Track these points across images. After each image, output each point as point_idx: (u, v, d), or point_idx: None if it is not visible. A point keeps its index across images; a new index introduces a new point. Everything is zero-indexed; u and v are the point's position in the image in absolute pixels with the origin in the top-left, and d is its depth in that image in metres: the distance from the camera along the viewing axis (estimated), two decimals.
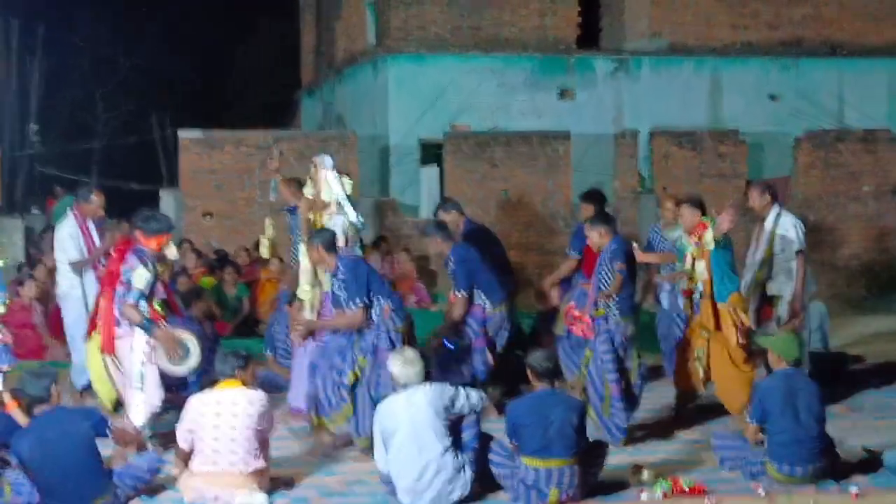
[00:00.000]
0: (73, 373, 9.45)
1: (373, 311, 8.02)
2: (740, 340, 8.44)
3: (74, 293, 9.43)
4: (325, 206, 8.81)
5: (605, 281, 8.27)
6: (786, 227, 9.16)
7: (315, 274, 8.61)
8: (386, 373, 7.59)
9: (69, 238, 9.40)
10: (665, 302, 10.01)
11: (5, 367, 8.01)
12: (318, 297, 8.66)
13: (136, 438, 7.50)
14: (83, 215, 9.47)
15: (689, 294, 8.83)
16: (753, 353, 8.49)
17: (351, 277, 7.98)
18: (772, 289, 9.22)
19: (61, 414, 6.75)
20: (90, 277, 9.38)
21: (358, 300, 7.93)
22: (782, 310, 9.15)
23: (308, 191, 8.92)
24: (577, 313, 8.45)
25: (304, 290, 8.67)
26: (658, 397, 9.67)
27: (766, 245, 9.19)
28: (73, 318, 9.49)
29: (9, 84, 17.51)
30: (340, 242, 8.51)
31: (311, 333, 8.52)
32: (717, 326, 8.53)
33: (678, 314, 9.66)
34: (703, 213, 8.81)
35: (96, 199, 9.48)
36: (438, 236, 9.16)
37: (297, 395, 8.77)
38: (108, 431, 6.82)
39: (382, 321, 8.02)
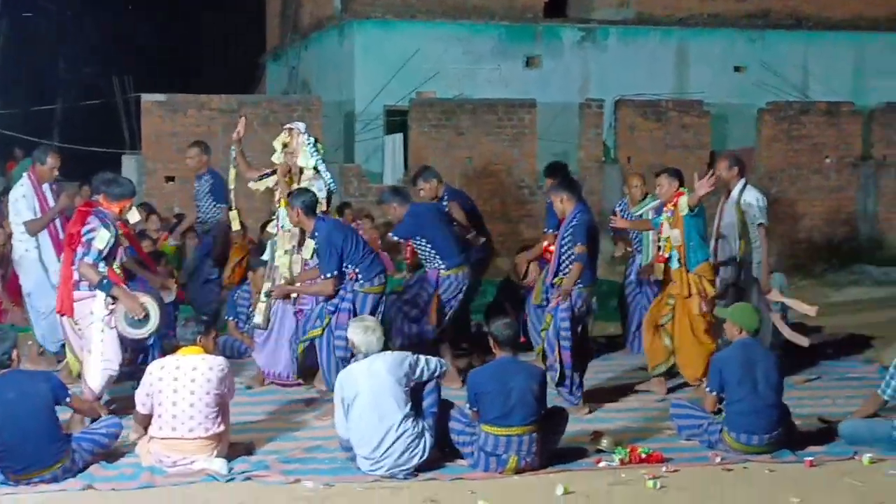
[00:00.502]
0: (41, 339, 9.39)
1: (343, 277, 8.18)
2: (703, 309, 8.52)
3: (30, 256, 9.33)
4: (301, 171, 8.77)
5: (569, 251, 8.27)
6: (749, 200, 9.23)
7: (290, 240, 8.63)
8: (341, 334, 7.81)
9: (22, 199, 9.28)
10: (633, 274, 10.09)
11: None
12: (299, 263, 8.65)
13: (94, 407, 7.45)
14: (38, 178, 9.34)
15: (663, 261, 8.89)
16: (715, 325, 8.55)
17: (325, 245, 8.08)
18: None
19: (20, 376, 6.69)
20: (46, 240, 9.29)
21: (328, 272, 8.06)
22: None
23: (277, 157, 8.85)
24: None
25: (279, 256, 8.67)
26: (618, 366, 9.76)
27: (735, 217, 9.25)
28: (31, 281, 9.41)
29: None
30: (323, 207, 8.59)
31: (286, 297, 8.58)
32: (688, 294, 8.63)
33: (645, 285, 9.80)
34: (681, 184, 8.88)
35: (51, 161, 9.34)
36: (394, 202, 9.14)
37: (273, 360, 8.80)
38: (66, 399, 6.77)
39: (347, 283, 8.13)
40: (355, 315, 7.99)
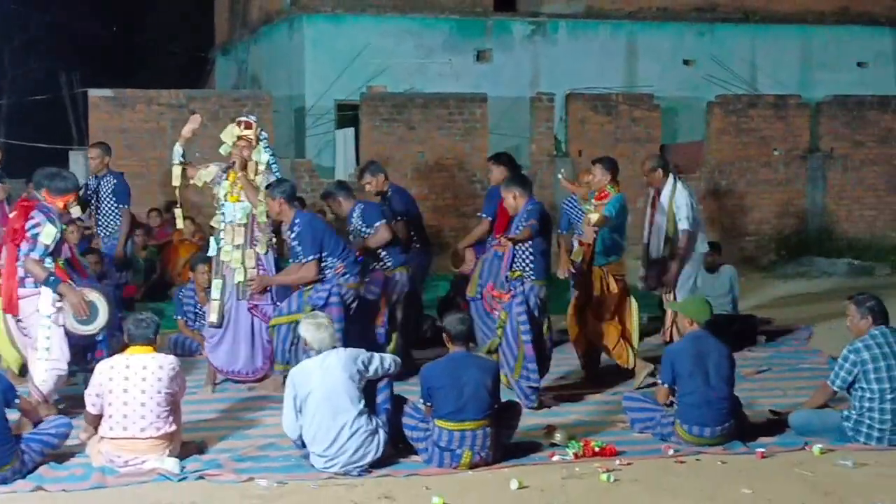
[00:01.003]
0: None
1: (326, 268, 8.35)
2: (610, 305, 8.94)
3: None
4: (256, 166, 8.70)
5: (522, 246, 8.27)
6: (679, 203, 9.39)
7: (240, 234, 8.55)
8: (338, 327, 7.99)
9: None
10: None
11: None
12: (252, 258, 8.59)
13: (43, 408, 7.35)
14: None
15: (585, 245, 9.06)
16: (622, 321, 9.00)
17: (307, 231, 8.31)
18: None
19: None
20: None
21: (311, 255, 8.27)
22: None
23: (225, 149, 8.74)
24: (496, 293, 8.45)
25: (227, 251, 8.58)
26: (570, 359, 9.77)
27: (665, 219, 9.42)
28: None
29: None
30: None
31: (263, 289, 8.58)
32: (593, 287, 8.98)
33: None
34: (614, 177, 9.01)
35: None
36: (340, 195, 9.22)
37: (231, 358, 8.73)
38: (15, 401, 6.67)
39: (334, 277, 8.33)
40: (346, 309, 8.32)
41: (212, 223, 8.94)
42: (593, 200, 9.12)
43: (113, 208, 10.44)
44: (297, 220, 8.36)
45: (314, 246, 8.30)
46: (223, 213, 8.66)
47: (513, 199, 8.43)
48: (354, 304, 8.55)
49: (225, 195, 8.65)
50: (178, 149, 8.74)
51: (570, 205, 10.21)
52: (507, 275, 8.35)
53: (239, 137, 8.65)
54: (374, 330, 8.97)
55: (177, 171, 8.76)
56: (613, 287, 8.98)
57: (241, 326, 8.68)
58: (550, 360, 8.60)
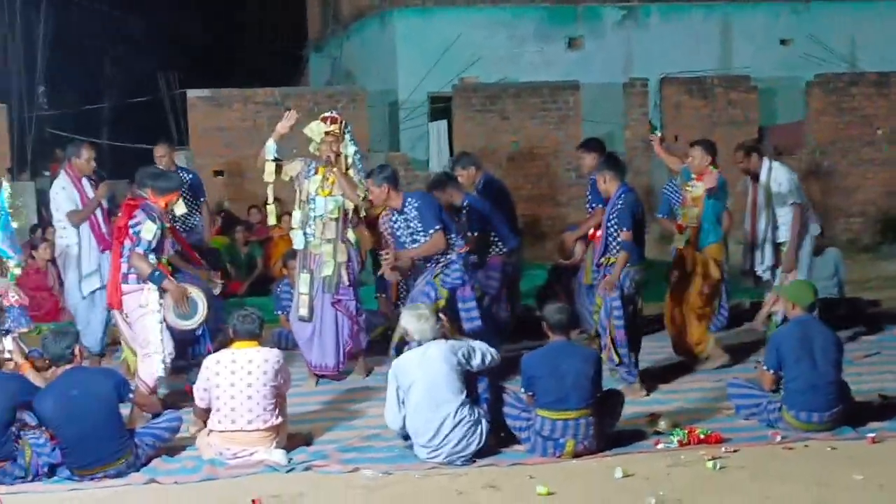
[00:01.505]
0: (83, 338, 9.46)
1: (453, 245, 8.24)
2: (704, 290, 8.71)
3: (71, 252, 9.29)
4: (346, 160, 8.78)
5: (616, 232, 8.22)
6: (780, 180, 9.18)
7: (331, 229, 8.63)
8: (470, 305, 8.15)
9: (62, 191, 9.26)
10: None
11: (23, 329, 8.04)
12: (342, 252, 8.66)
13: (154, 402, 7.54)
14: (76, 172, 9.34)
15: (681, 229, 8.90)
16: (710, 309, 8.91)
17: (425, 205, 8.21)
18: (779, 237, 9.26)
19: (84, 373, 6.78)
20: (87, 233, 9.27)
21: (435, 226, 8.12)
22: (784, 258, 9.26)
23: (314, 146, 8.82)
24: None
25: (317, 244, 8.67)
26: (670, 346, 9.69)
27: (766, 201, 9.26)
28: (72, 279, 9.38)
29: (16, 46, 17.42)
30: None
31: (395, 266, 8.57)
32: (695, 272, 8.83)
33: None
34: (714, 159, 8.86)
35: (86, 154, 9.35)
36: (450, 187, 9.23)
37: (322, 353, 8.79)
38: (129, 396, 6.86)
39: (460, 257, 8.25)
40: (472, 287, 8.33)
41: (293, 221, 8.91)
42: (693, 182, 8.95)
43: (190, 204, 10.52)
44: (409, 200, 8.26)
45: (436, 218, 8.14)
46: (313, 208, 8.70)
47: (604, 183, 8.36)
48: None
49: (315, 189, 8.72)
50: (271, 145, 8.76)
51: (671, 189, 10.08)
52: (602, 261, 8.32)
53: (326, 133, 8.67)
54: (499, 313, 9.05)
55: (270, 167, 8.79)
56: (714, 271, 8.83)
57: (327, 321, 8.74)
58: (641, 343, 8.53)
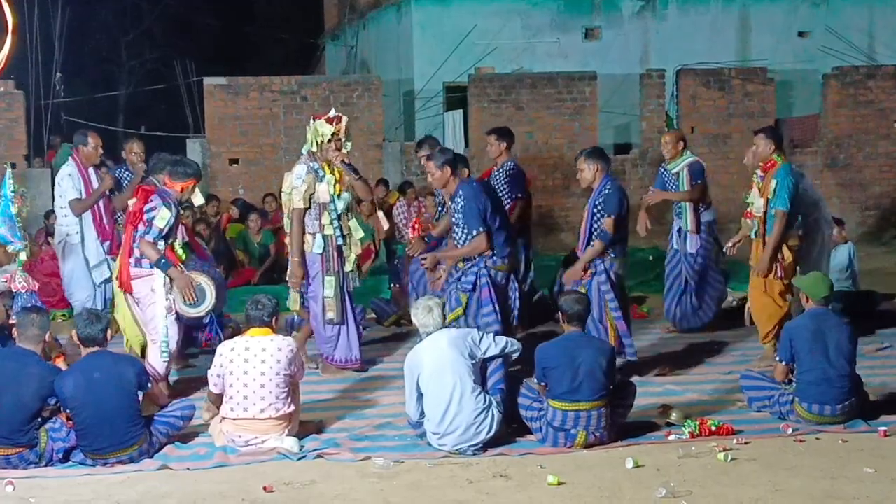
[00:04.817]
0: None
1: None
2: (779, 274, 8.48)
3: (72, 241, 9.26)
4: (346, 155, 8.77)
5: (598, 222, 8.20)
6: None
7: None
8: (486, 310, 8.02)
9: (68, 177, 9.22)
10: (674, 241, 10.01)
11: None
12: (356, 245, 8.69)
13: (162, 395, 7.60)
14: (83, 160, 9.32)
15: (749, 216, 8.84)
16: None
17: (470, 205, 8.10)
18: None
19: (108, 358, 6.77)
20: (89, 223, 9.26)
21: (478, 227, 8.06)
22: None
23: (314, 146, 8.75)
24: None
25: (348, 244, 8.68)
26: (688, 338, 9.69)
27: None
28: (69, 269, 9.34)
29: (32, 34, 17.49)
30: None
31: (436, 264, 8.56)
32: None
33: (685, 255, 9.82)
34: (779, 146, 8.72)
35: (93, 142, 9.33)
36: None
37: (348, 347, 8.79)
38: (148, 385, 6.88)
39: (481, 259, 8.16)
40: (500, 291, 8.19)
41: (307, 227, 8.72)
42: (759, 171, 8.74)
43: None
44: (460, 192, 8.19)
45: (479, 219, 8.06)
46: (334, 208, 8.59)
47: (592, 173, 8.28)
48: (510, 285, 8.38)
49: (332, 191, 8.60)
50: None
51: (663, 172, 10.08)
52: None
53: (333, 134, 8.57)
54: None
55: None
56: (787, 257, 8.58)
57: (348, 315, 8.77)
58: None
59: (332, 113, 8.75)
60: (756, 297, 8.70)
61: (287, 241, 8.72)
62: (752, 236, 8.78)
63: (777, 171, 8.54)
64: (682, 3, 19.25)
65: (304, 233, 8.53)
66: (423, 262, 8.70)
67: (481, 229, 8.06)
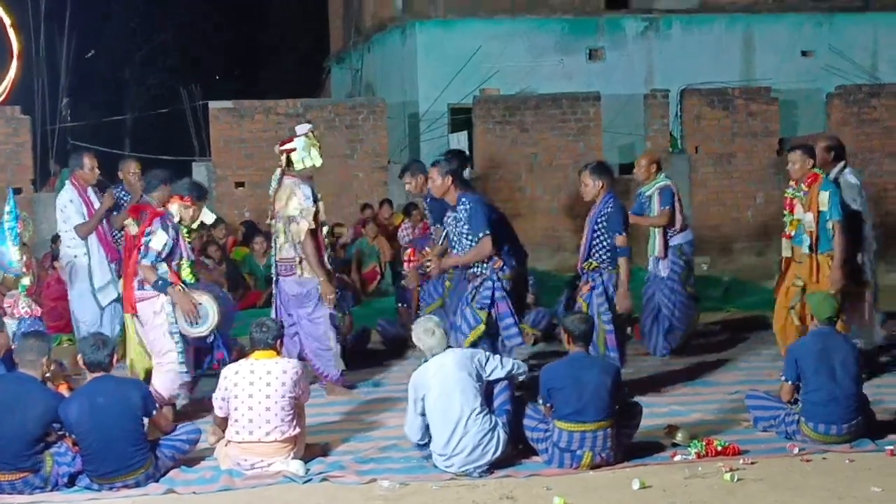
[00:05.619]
0: None
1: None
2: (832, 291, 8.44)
3: (80, 262, 9.31)
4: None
5: (600, 237, 8.22)
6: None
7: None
8: (507, 322, 8.00)
9: (70, 203, 9.29)
10: (650, 265, 9.99)
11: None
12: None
13: (168, 420, 7.60)
14: (81, 183, 9.38)
15: (788, 237, 8.82)
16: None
17: (477, 208, 8.10)
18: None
19: (113, 382, 6.78)
20: (95, 244, 9.31)
21: (483, 230, 8.04)
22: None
23: (308, 167, 8.83)
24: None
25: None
26: (688, 358, 9.67)
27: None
28: (76, 291, 9.40)
29: (38, 58, 17.57)
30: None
31: (443, 272, 8.56)
32: (816, 279, 8.59)
33: (658, 278, 9.80)
34: (815, 163, 8.76)
35: (89, 163, 9.39)
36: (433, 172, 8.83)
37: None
38: (154, 411, 6.87)
39: (493, 272, 8.13)
40: (511, 299, 8.13)
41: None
42: (804, 187, 8.72)
43: None
44: (463, 199, 8.19)
45: (485, 223, 8.06)
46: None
47: (596, 188, 8.27)
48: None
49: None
50: None
51: (639, 192, 10.13)
52: (584, 266, 8.31)
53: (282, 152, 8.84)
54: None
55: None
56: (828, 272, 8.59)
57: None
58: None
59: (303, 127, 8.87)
60: (781, 317, 8.74)
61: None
62: (805, 251, 8.65)
63: (822, 183, 8.62)
64: (685, 23, 19.30)
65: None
66: (429, 270, 8.65)
67: (487, 232, 8.05)
